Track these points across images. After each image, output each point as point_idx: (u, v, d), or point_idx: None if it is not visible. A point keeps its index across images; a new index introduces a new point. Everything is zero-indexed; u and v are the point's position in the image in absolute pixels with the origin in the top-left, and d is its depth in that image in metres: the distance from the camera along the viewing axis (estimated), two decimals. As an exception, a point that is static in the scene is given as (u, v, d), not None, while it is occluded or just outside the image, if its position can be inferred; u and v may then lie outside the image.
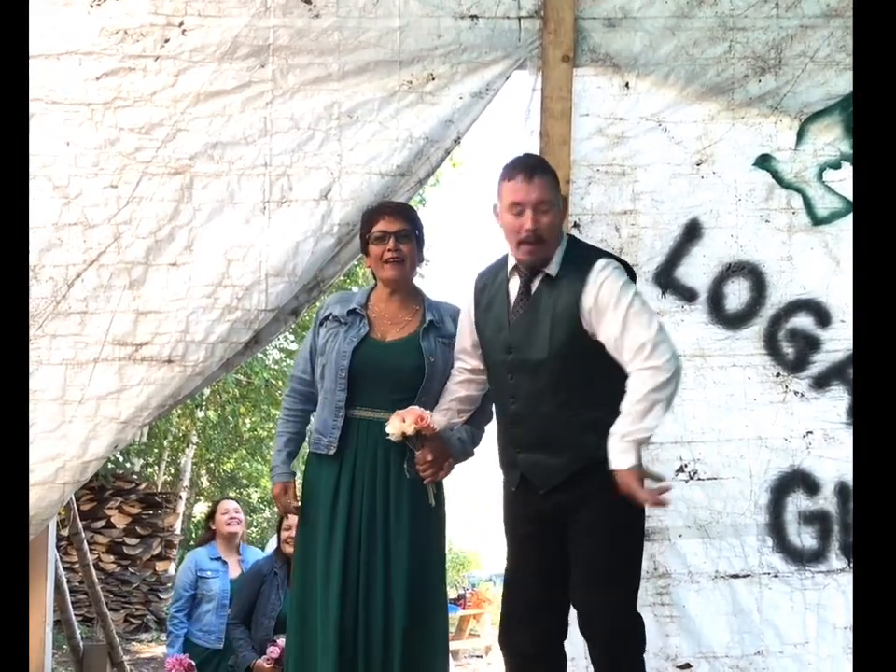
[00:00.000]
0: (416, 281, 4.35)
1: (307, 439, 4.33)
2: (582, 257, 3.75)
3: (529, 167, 3.74)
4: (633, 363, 3.56)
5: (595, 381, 3.66)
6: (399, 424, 3.90)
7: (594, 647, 3.73)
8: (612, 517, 3.62)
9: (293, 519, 5.66)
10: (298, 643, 4.11)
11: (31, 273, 4.45)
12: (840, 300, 4.64)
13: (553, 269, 3.73)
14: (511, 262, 3.83)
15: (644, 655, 3.73)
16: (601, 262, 3.70)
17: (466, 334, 4.00)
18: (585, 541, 3.66)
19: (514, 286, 3.81)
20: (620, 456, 3.49)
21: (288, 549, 5.67)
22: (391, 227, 4.13)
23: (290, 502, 4.21)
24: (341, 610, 3.96)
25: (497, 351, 3.80)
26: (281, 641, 5.37)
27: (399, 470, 4.05)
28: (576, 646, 4.01)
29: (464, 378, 4.03)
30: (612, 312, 3.60)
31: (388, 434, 3.92)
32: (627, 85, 4.70)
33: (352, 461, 4.06)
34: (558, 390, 3.66)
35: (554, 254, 3.74)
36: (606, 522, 3.64)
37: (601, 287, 3.63)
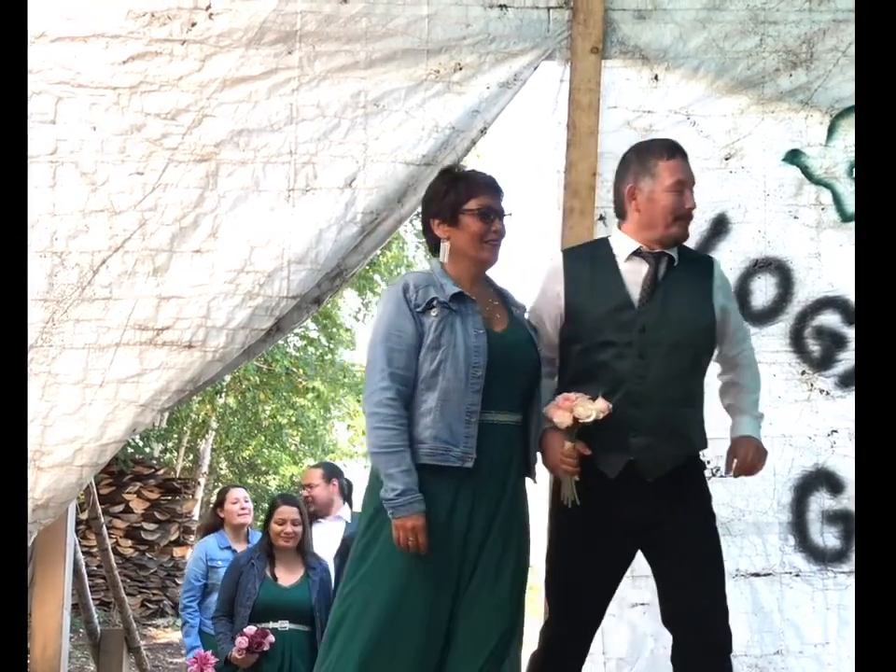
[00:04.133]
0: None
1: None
2: (690, 251, 3.89)
3: (682, 149, 3.73)
4: (744, 345, 3.83)
5: (701, 378, 3.72)
6: (590, 405, 3.44)
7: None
8: (709, 519, 3.71)
9: (287, 513, 5.65)
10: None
11: (58, 260, 4.47)
12: (868, 298, 4.61)
13: (676, 255, 3.71)
14: (624, 246, 3.69)
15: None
16: (715, 259, 3.88)
17: (548, 328, 3.73)
18: (683, 544, 3.60)
19: (631, 269, 3.66)
20: (758, 431, 3.78)
21: (282, 542, 5.63)
22: (496, 204, 3.63)
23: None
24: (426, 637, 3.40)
25: (620, 332, 3.59)
26: (248, 629, 5.40)
27: (518, 481, 3.56)
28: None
29: (548, 370, 3.72)
30: (734, 303, 3.87)
31: (577, 418, 3.45)
32: (656, 77, 4.67)
33: (477, 473, 3.44)
34: (686, 375, 3.64)
35: None
36: (704, 523, 3.67)
37: (728, 287, 3.85)
